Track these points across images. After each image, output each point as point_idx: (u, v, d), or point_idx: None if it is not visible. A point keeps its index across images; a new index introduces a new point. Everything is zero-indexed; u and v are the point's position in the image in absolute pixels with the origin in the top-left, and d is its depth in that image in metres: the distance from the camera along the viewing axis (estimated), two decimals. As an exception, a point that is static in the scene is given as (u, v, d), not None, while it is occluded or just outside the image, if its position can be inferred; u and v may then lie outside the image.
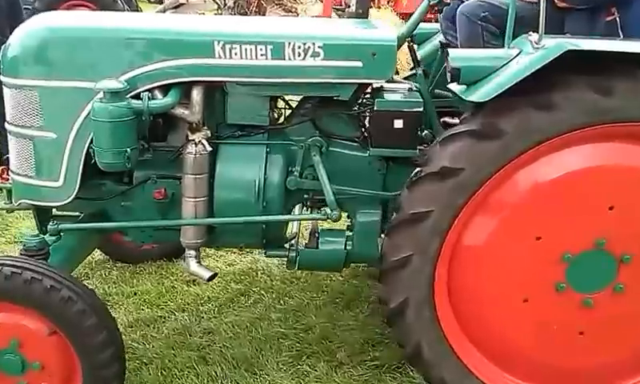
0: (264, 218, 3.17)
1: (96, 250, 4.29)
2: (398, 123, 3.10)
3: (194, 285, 4.26)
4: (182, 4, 14.53)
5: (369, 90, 3.30)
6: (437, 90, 3.58)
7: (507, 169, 2.57)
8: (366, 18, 4.30)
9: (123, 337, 2.99)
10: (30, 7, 8.80)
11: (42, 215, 3.38)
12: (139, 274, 4.42)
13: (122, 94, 2.81)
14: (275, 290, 4.19)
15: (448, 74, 2.62)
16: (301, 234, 3.56)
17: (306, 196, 3.34)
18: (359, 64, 2.94)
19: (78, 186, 3.04)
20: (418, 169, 2.80)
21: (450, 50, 2.60)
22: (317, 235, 3.35)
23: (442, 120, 3.34)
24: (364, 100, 3.34)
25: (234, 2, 13.49)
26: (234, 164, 3.16)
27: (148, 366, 3.42)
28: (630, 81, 2.47)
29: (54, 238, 3.17)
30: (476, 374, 2.85)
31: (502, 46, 3.07)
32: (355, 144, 3.28)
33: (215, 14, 12.72)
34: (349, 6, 3.79)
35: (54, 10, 3.67)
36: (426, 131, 3.34)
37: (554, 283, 2.70)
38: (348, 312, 3.94)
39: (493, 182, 2.59)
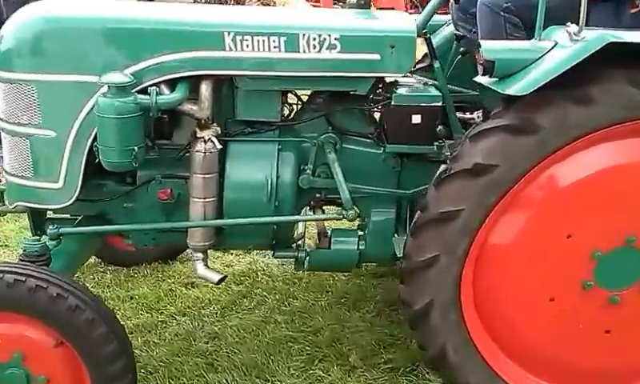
0: (278, 218, 3.04)
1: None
2: (416, 119, 2.99)
3: (193, 287, 4.10)
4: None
5: (380, 84, 3.19)
6: (448, 85, 3.48)
7: (542, 165, 2.48)
8: (369, 8, 4.18)
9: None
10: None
11: (37, 218, 3.20)
12: (134, 277, 4.23)
13: (127, 89, 2.64)
14: (278, 291, 4.05)
15: (480, 67, 2.51)
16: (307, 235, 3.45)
17: (318, 195, 3.22)
18: (377, 57, 2.82)
19: (79, 188, 2.86)
20: (443, 166, 2.71)
21: (482, 42, 2.50)
22: (328, 235, 3.23)
23: None
24: (377, 94, 3.22)
25: (212, -8, 13.22)
26: (245, 162, 3.02)
27: (154, 375, 3.26)
28: None
29: (54, 242, 2.97)
30: (501, 375, 2.77)
31: (524, 38, 3.02)
32: (369, 140, 3.17)
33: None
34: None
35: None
36: (439, 127, 3.24)
37: (582, 281, 2.63)
38: (355, 313, 3.83)
39: (526, 178, 2.51)
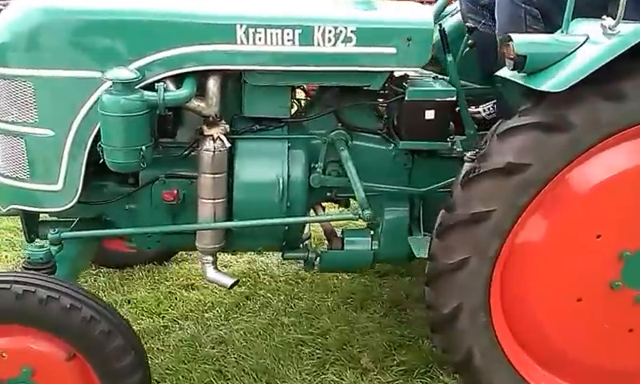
0: (292, 220, 2.94)
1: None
2: (430, 114, 2.92)
3: (193, 289, 3.97)
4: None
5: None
6: None
7: (573, 163, 2.43)
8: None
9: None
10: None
11: (30, 221, 3.03)
12: (129, 280, 4.07)
13: (133, 85, 2.49)
14: (282, 291, 3.95)
15: (509, 61, 2.44)
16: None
17: (328, 194, 3.13)
18: (393, 51, 2.72)
19: (80, 190, 2.71)
20: (467, 164, 2.63)
21: (513, 36, 2.41)
22: (340, 236, 3.13)
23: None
24: (386, 89, 3.13)
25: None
26: (255, 161, 2.90)
27: (162, 384, 3.14)
28: None
29: (55, 247, 2.81)
30: (527, 379, 2.72)
31: (543, 31, 2.96)
32: (379, 137, 3.08)
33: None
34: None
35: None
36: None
37: (609, 281, 2.58)
38: (363, 313, 3.75)
39: (557, 178, 2.45)
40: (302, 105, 3.15)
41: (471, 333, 2.59)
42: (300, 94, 3.19)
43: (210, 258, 2.96)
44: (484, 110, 3.58)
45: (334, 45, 2.68)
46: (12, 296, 2.31)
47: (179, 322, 3.65)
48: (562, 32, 2.50)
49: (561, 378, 2.77)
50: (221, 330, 3.58)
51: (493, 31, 3.47)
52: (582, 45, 2.38)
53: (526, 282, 2.61)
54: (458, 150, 3.08)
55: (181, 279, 4.04)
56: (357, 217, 2.88)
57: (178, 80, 2.66)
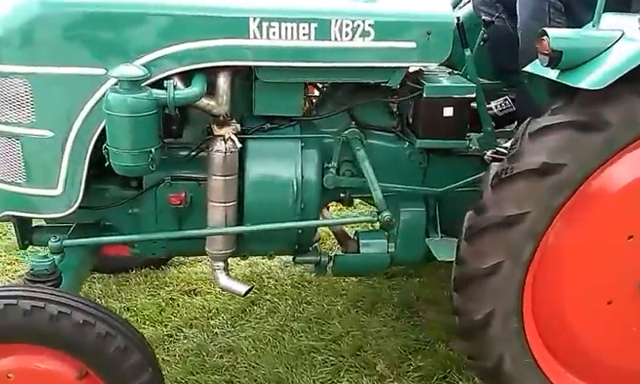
0: (307, 223, 2.81)
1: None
2: (448, 111, 2.81)
3: (196, 295, 3.81)
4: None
5: None
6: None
7: (608, 163, 2.34)
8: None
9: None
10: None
11: (23, 227, 2.86)
12: (127, 286, 3.90)
13: (140, 83, 2.33)
14: (288, 295, 3.81)
15: (543, 57, 2.34)
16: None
17: (342, 194, 3.00)
18: (412, 45, 2.60)
19: (81, 194, 2.54)
20: (495, 164, 2.54)
21: (548, 30, 2.31)
22: (355, 238, 3.01)
23: None
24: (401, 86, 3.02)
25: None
26: (267, 162, 2.75)
27: (172, 398, 2.99)
28: None
29: (57, 256, 2.63)
30: (556, 384, 2.64)
31: (565, 25, 2.88)
32: (392, 135, 2.97)
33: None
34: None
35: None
36: None
37: (639, 282, 2.51)
38: (374, 317, 3.64)
39: (591, 178, 2.36)
40: (313, 102, 3.02)
41: (503, 339, 2.49)
42: (311, 91, 3.05)
43: (221, 265, 2.82)
44: (496, 107, 3.50)
45: (352, 39, 2.56)
46: (19, 312, 2.13)
47: (184, 330, 3.50)
48: (593, 26, 2.42)
49: (589, 382, 2.70)
50: (228, 338, 3.44)
51: (506, 25, 3.40)
52: (617, 41, 2.29)
53: (556, 285, 2.52)
54: (474, 148, 3.00)
55: (181, 284, 3.89)
56: (375, 219, 2.77)
57: (186, 77, 2.51)
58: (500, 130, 3.28)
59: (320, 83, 2.93)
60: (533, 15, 2.84)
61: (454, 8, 3.25)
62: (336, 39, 2.54)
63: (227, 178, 2.67)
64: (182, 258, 4.12)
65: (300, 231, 2.85)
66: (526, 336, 2.53)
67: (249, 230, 2.73)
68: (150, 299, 3.74)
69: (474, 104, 2.96)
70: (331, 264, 2.99)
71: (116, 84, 2.33)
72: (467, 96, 2.82)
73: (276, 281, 3.95)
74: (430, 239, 2.98)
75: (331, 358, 3.30)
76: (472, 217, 2.47)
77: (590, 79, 2.24)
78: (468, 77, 3.00)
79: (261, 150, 2.76)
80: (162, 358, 3.25)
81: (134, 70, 2.33)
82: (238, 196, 2.72)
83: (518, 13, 2.94)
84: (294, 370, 3.19)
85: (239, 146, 2.65)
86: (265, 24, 2.48)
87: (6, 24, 2.41)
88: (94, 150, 2.49)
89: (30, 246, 2.94)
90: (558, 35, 2.32)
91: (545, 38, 2.32)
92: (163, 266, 4.06)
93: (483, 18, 3.24)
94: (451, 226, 3.00)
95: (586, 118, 2.29)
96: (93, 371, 2.23)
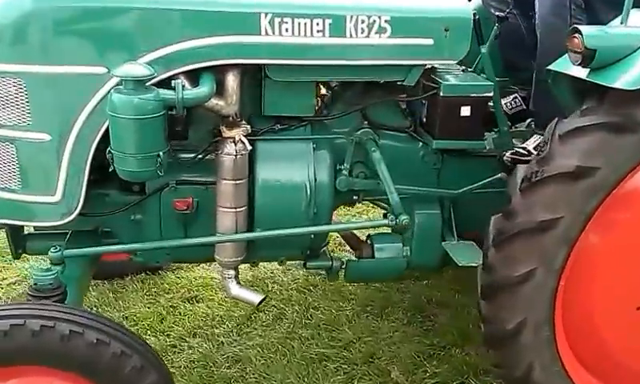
0: (321, 227, 2.71)
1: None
2: (466, 111, 2.71)
3: (197, 302, 3.67)
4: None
5: None
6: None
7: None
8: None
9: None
10: None
11: (16, 235, 2.71)
12: (124, 294, 3.75)
13: (145, 83, 2.18)
14: (295, 301, 3.69)
15: (575, 56, 2.24)
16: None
17: (355, 197, 2.89)
18: (430, 42, 2.50)
19: (81, 201, 2.39)
20: (521, 167, 2.44)
21: (582, 28, 2.22)
22: (369, 242, 2.90)
23: None
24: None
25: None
26: (278, 164, 2.63)
27: (181, 413, 2.85)
28: None
29: (58, 268, 2.46)
30: (585, 393, 2.56)
31: (585, 22, 2.79)
32: (405, 135, 2.86)
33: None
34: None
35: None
36: None
37: (670, 288, 2.45)
38: (385, 322, 3.53)
39: (625, 180, 2.28)
40: (324, 102, 2.89)
41: (533, 348, 2.40)
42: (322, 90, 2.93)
43: (232, 273, 2.68)
44: (506, 105, 3.40)
45: (368, 36, 2.44)
46: (27, 333, 1.97)
47: (187, 340, 3.36)
48: (621, 23, 2.34)
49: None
50: (235, 347, 3.30)
51: (517, 20, 3.31)
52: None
53: (585, 291, 2.44)
54: (489, 148, 2.91)
55: (182, 291, 3.74)
56: (393, 223, 2.66)
57: (193, 76, 2.37)
58: (513, 129, 3.20)
59: (332, 82, 2.81)
60: (553, 11, 2.75)
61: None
62: (351, 36, 2.43)
63: (237, 182, 2.53)
64: (179, 263, 3.98)
65: (312, 236, 2.73)
66: (556, 344, 2.44)
67: (261, 236, 2.60)
68: (149, 307, 3.59)
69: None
70: (343, 270, 2.88)
71: (120, 84, 2.18)
72: (485, 95, 2.73)
73: (280, 285, 3.82)
74: (446, 243, 2.88)
75: (344, 366, 3.18)
76: (500, 222, 2.38)
77: (625, 79, 2.16)
78: (483, 74, 2.91)
79: (271, 151, 2.63)
80: (168, 371, 3.11)
81: (139, 69, 2.18)
82: (247, 200, 2.60)
83: (536, 8, 2.84)
84: (306, 380, 3.08)
85: (249, 148, 2.52)
86: (277, 20, 2.35)
87: (0, 19, 2.24)
88: (95, 153, 2.34)
89: (33, 258, 2.77)
90: (591, 33, 2.22)
91: (577, 35, 2.22)
92: (160, 272, 3.91)
93: (496, 13, 3.14)
94: (466, 229, 2.94)
95: (619, 119, 2.21)
96: (108, 393, 2.09)
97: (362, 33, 2.43)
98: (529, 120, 3.21)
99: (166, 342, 3.33)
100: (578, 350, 2.53)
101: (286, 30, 2.36)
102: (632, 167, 2.27)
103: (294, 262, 3.55)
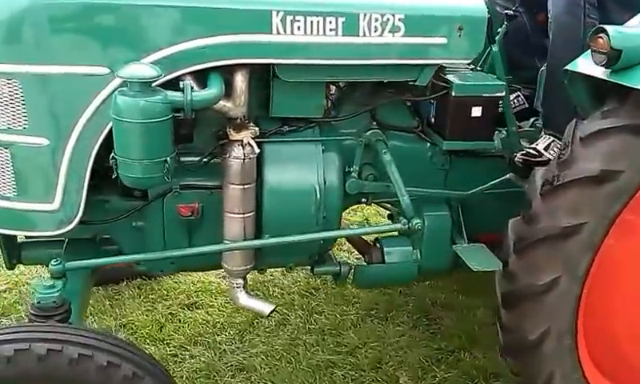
0: (333, 233, 2.64)
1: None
2: (477, 111, 2.64)
3: (197, 308, 3.56)
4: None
5: None
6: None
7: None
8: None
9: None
10: None
11: (10, 244, 2.57)
12: (119, 301, 3.62)
13: (152, 84, 2.06)
14: (297, 305, 3.60)
15: (600, 56, 2.17)
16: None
17: (363, 200, 2.81)
18: (443, 41, 2.43)
19: (81, 209, 2.27)
20: (540, 170, 2.38)
21: (608, 27, 2.15)
22: (379, 246, 2.81)
23: None
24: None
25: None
26: (287, 167, 2.53)
27: (187, 428, 2.74)
28: None
29: (60, 282, 2.33)
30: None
31: (600, 21, 2.73)
32: (413, 136, 2.78)
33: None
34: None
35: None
36: None
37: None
38: (390, 326, 3.45)
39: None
40: (332, 102, 2.79)
41: (555, 357, 2.34)
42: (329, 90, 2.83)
43: (240, 282, 2.57)
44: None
45: (381, 35, 2.35)
46: (33, 358, 1.85)
47: (188, 348, 3.24)
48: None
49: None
50: (238, 355, 3.20)
51: (522, 18, 3.24)
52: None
53: (606, 297, 2.39)
54: (497, 148, 2.85)
55: (180, 297, 3.62)
56: (406, 227, 2.58)
57: (199, 76, 2.25)
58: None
59: (342, 82, 2.71)
60: (567, 9, 2.68)
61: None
62: (364, 35, 2.33)
63: (245, 186, 2.42)
64: (181, 270, 3.86)
65: (322, 241, 2.64)
66: (578, 352, 2.39)
67: (272, 243, 2.50)
68: (147, 315, 3.46)
69: None
70: (352, 275, 2.80)
71: (124, 85, 2.06)
72: (496, 95, 2.66)
73: (282, 289, 3.72)
74: (457, 246, 2.81)
75: (351, 373, 3.10)
76: (521, 227, 2.32)
77: None
78: (492, 73, 2.83)
79: (279, 154, 2.53)
80: (170, 382, 3.00)
81: (145, 69, 2.06)
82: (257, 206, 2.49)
83: (549, 6, 2.77)
84: (313, 388, 3.00)
85: (258, 151, 2.41)
86: (289, 18, 2.24)
87: None
88: (95, 157, 2.22)
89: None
90: (617, 33, 2.15)
91: (602, 35, 2.15)
92: (157, 277, 3.78)
93: (505, 11, 3.07)
94: (474, 230, 2.87)
95: (642, 121, 2.15)
96: (117, 418, 1.97)
97: (375, 31, 2.34)
98: (533, 119, 3.15)
99: (166, 351, 3.22)
100: (596, 356, 2.48)
101: (298, 28, 2.26)
102: (656, 170, 2.21)
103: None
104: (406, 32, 2.37)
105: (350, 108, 2.69)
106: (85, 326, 2.37)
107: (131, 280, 3.73)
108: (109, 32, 2.13)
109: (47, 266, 2.35)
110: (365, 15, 2.32)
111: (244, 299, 2.58)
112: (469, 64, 2.83)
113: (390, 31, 2.36)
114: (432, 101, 2.73)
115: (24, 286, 3.65)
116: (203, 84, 2.26)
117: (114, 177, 2.18)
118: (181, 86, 2.16)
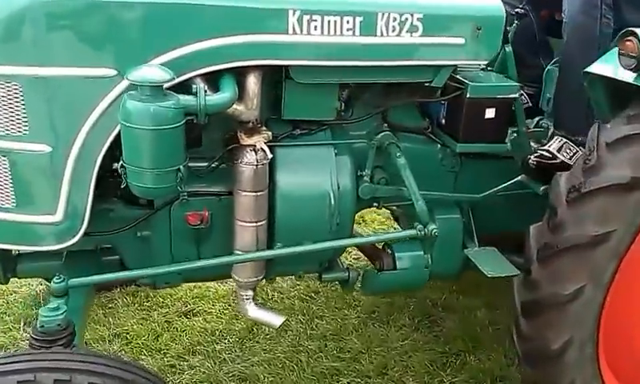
0: (348, 241, 2.55)
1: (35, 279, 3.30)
2: (490, 112, 2.57)
3: (194, 316, 3.43)
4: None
5: None
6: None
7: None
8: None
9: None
10: None
11: (5, 258, 2.40)
12: (114, 309, 3.47)
13: (163, 88, 1.93)
14: (297, 310, 3.49)
15: (627, 59, 2.11)
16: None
17: (375, 204, 2.72)
18: (461, 41, 2.34)
19: (86, 220, 2.12)
20: (564, 175, 2.31)
21: (638, 31, 2.08)
22: (390, 251, 2.72)
23: None
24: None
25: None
26: (300, 172, 2.42)
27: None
28: None
29: (61, 300, 2.17)
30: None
31: (613, 22, 2.67)
32: (423, 138, 2.71)
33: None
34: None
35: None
36: None
37: None
38: (392, 329, 3.38)
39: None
40: (345, 104, 2.68)
41: (576, 366, 2.30)
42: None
43: (250, 293, 2.46)
44: None
45: (399, 35, 2.25)
46: (41, 388, 1.72)
47: (187, 358, 3.12)
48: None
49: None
50: (238, 364, 3.09)
51: (529, 17, 3.17)
52: None
53: (626, 304, 2.34)
54: (508, 149, 2.79)
55: (177, 304, 3.48)
56: (422, 233, 2.49)
57: (210, 79, 2.12)
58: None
59: (356, 83, 2.60)
60: (583, 9, 2.61)
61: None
62: (382, 35, 2.23)
63: (258, 193, 2.30)
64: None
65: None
66: (598, 360, 2.35)
67: (288, 253, 2.38)
68: (142, 324, 3.32)
69: None
70: (360, 281, 2.71)
71: (132, 89, 1.92)
72: (510, 96, 2.59)
73: (281, 293, 3.61)
74: (468, 250, 2.74)
75: (357, 380, 3.03)
76: (545, 234, 2.25)
77: None
78: (501, 73, 2.76)
79: (292, 159, 2.41)
80: (170, 395, 2.88)
81: (157, 72, 1.92)
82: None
83: (564, 5, 2.69)
84: (320, 397, 2.91)
85: (270, 156, 2.29)
86: (306, 17, 2.13)
87: None
88: (103, 167, 2.08)
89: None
90: None
91: (632, 38, 2.09)
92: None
93: (515, 10, 2.99)
94: (482, 232, 2.81)
95: (673, 127, 2.10)
96: None
97: (392, 31, 2.24)
98: (537, 118, 3.10)
99: (164, 361, 3.09)
100: (615, 364, 2.44)
101: (315, 28, 2.15)
102: (682, 176, 2.17)
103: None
104: (424, 32, 2.28)
105: (362, 109, 2.59)
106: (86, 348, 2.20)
107: (125, 287, 3.58)
108: (115, 31, 1.98)
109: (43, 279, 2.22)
110: (383, 15, 2.21)
111: (253, 311, 2.47)
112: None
113: (407, 31, 2.26)
114: (442, 101, 2.65)
115: (11, 295, 3.46)
116: (214, 86, 2.13)
117: (123, 186, 2.04)
118: (193, 89, 2.03)
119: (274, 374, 3.03)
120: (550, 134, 2.87)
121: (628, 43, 2.10)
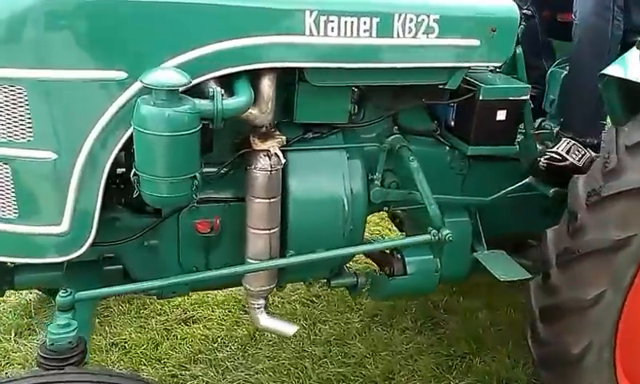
0: (363, 247, 2.55)
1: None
2: (501, 114, 2.55)
3: (194, 323, 3.35)
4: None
5: None
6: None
7: None
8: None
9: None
10: None
11: (1, 269, 2.30)
12: (110, 317, 3.36)
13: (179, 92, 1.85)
14: (300, 315, 3.43)
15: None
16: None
17: (385, 208, 2.70)
18: (476, 43, 2.31)
19: (94, 230, 2.02)
20: (582, 178, 2.29)
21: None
22: (400, 256, 2.68)
23: None
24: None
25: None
26: (313, 177, 2.36)
27: None
28: None
29: (68, 314, 2.07)
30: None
31: (623, 24, 2.67)
32: (432, 140, 2.68)
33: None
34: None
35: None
36: None
37: None
38: (395, 333, 3.35)
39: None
40: (357, 107, 2.62)
41: (594, 370, 2.28)
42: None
43: (262, 302, 2.39)
44: None
45: (415, 36, 2.21)
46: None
47: (188, 367, 3.03)
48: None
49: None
50: (242, 372, 3.02)
51: (534, 17, 3.16)
52: None
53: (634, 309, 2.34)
54: (516, 151, 2.77)
55: (175, 311, 3.39)
56: (436, 239, 2.46)
57: (224, 82, 2.04)
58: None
59: (369, 85, 2.55)
60: (595, 11, 2.60)
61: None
62: (398, 36, 2.18)
63: (272, 200, 2.24)
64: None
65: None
66: (615, 365, 2.34)
67: (302, 261, 2.31)
68: (140, 333, 3.22)
69: None
70: (369, 286, 2.66)
71: (146, 93, 1.84)
72: (521, 98, 2.57)
73: (282, 298, 3.55)
74: (477, 253, 2.73)
75: (364, 387, 2.99)
76: (564, 239, 2.23)
77: None
78: (515, 75, 2.74)
79: (304, 163, 2.36)
80: (173, 407, 2.80)
81: (173, 75, 1.84)
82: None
83: (575, 7, 2.68)
84: (325, 405, 2.86)
85: (284, 161, 2.23)
86: (322, 18, 2.07)
87: None
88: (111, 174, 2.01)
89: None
90: None
91: (653, 40, 2.08)
92: (143, 289, 3.53)
93: (523, 11, 2.97)
94: (489, 235, 2.79)
95: (693, 131, 2.10)
96: None
97: (409, 32, 2.19)
98: (540, 120, 3.10)
99: (165, 371, 3.00)
100: (629, 369, 2.43)
101: (332, 29, 2.09)
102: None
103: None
104: (440, 33, 2.24)
105: (373, 112, 2.54)
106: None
107: (120, 295, 3.46)
108: (127, 32, 1.89)
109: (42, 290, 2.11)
110: (400, 16, 2.17)
111: (265, 320, 2.41)
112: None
113: (424, 32, 2.22)
114: (452, 104, 2.62)
115: (0, 305, 3.33)
116: (227, 90, 2.04)
117: (135, 195, 1.96)
118: (208, 93, 1.96)
119: (279, 381, 2.98)
120: (555, 135, 2.87)
121: (645, 45, 2.10)
